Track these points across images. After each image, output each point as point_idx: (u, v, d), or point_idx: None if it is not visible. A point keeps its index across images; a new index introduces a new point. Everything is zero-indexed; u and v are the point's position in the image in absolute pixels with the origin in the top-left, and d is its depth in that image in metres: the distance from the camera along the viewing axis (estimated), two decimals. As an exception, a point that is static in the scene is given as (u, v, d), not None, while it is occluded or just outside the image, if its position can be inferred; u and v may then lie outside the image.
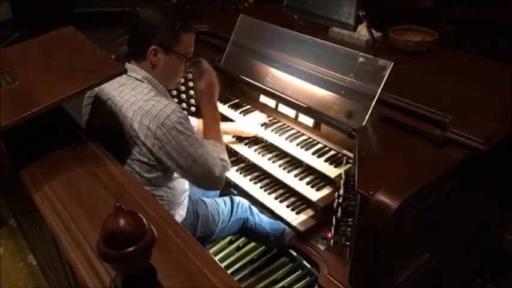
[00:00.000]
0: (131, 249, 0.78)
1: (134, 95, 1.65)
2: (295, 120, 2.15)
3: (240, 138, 2.23)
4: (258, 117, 2.27)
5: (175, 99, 2.39)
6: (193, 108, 2.37)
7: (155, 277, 0.88)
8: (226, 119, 2.30)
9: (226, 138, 2.25)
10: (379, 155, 1.61)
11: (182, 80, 2.34)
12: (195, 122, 2.17)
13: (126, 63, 1.72)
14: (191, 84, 2.36)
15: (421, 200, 1.37)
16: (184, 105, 2.40)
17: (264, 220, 2.16)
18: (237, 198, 2.11)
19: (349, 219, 1.58)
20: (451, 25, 3.21)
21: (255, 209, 2.15)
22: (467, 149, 1.49)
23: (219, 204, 2.05)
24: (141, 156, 1.62)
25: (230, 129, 2.24)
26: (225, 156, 1.80)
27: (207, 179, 1.70)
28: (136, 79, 1.69)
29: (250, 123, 2.23)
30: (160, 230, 0.97)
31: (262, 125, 2.20)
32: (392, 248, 1.37)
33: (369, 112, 1.72)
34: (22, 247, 2.59)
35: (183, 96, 2.39)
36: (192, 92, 2.38)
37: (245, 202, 2.13)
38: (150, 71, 1.71)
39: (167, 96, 1.78)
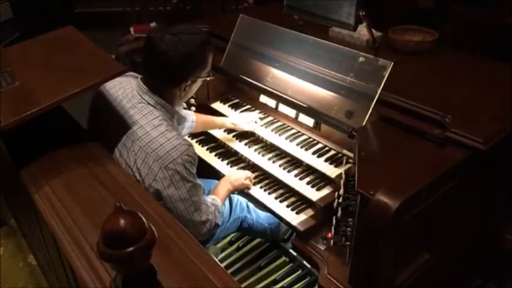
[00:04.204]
0: (131, 249, 0.78)
1: (143, 126, 1.58)
2: (295, 120, 2.15)
3: (239, 138, 2.22)
4: (252, 113, 2.28)
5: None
6: (193, 108, 2.37)
7: (155, 277, 0.88)
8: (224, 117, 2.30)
9: (226, 137, 2.26)
10: (379, 155, 1.61)
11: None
12: (192, 120, 2.17)
13: (140, 81, 1.65)
14: (191, 84, 2.35)
15: (421, 200, 1.37)
16: (184, 104, 2.39)
17: (261, 216, 2.17)
18: (235, 197, 2.11)
19: (349, 219, 1.58)
20: (451, 25, 3.20)
21: (251, 206, 2.16)
22: (467, 149, 1.48)
23: None
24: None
25: (221, 122, 2.25)
26: (214, 217, 1.75)
27: (191, 225, 1.64)
28: (149, 104, 1.62)
29: (243, 117, 2.22)
30: (160, 230, 0.97)
31: (256, 122, 2.21)
32: (393, 248, 1.37)
33: (369, 112, 1.71)
34: (22, 247, 2.59)
35: (183, 96, 2.39)
36: (192, 92, 2.38)
37: (243, 200, 2.14)
38: (170, 99, 1.65)
39: (179, 118, 1.74)
